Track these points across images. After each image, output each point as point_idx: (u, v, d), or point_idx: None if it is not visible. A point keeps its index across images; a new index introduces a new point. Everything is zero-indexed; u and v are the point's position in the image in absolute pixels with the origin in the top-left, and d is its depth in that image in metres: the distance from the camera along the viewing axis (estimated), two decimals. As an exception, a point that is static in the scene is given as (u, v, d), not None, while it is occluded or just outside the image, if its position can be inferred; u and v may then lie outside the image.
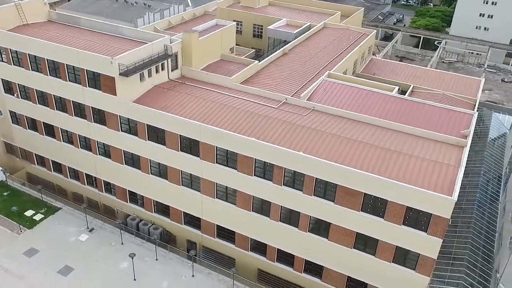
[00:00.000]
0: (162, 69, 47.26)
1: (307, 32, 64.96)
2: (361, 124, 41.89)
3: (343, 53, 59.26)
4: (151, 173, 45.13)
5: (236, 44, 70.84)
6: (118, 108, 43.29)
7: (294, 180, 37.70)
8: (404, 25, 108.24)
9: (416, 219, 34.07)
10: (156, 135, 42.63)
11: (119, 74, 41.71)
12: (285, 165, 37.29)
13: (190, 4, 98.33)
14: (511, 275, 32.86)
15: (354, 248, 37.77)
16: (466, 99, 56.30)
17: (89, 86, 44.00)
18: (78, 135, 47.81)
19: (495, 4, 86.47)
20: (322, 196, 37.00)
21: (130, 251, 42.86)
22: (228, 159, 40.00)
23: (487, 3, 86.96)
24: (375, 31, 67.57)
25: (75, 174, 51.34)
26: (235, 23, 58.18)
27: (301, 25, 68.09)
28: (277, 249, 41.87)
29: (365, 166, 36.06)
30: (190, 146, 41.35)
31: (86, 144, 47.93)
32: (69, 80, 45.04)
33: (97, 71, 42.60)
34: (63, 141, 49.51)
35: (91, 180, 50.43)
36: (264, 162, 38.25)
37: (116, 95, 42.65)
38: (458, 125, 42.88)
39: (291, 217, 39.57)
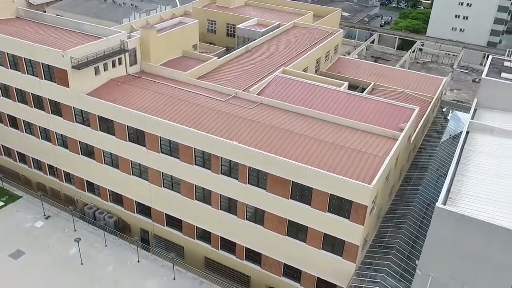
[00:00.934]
0: (120, 63, 49.11)
1: (274, 31, 66.58)
2: (303, 117, 43.34)
3: (305, 51, 60.68)
4: (104, 163, 46.94)
5: (211, 43, 73.15)
6: (71, 99, 45.21)
7: (230, 169, 39.26)
8: (381, 26, 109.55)
9: (339, 206, 35.44)
10: (107, 126, 44.45)
11: (72, 67, 43.62)
12: (221, 154, 38.88)
13: (178, 5, 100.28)
14: (427, 261, 33.94)
15: (287, 235, 39.17)
16: (424, 96, 57.67)
17: (45, 79, 45.99)
18: (38, 126, 49.80)
19: (470, 6, 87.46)
20: (256, 184, 38.50)
21: (81, 237, 44.55)
22: (171, 148, 41.67)
23: (462, 4, 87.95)
24: (342, 30, 68.93)
25: (38, 165, 53.30)
26: (197, 21, 60.00)
27: (270, 24, 69.80)
28: (220, 237, 43.37)
29: (296, 156, 37.47)
30: (137, 136, 43.10)
31: (46, 135, 49.91)
32: (27, 73, 47.06)
33: (51, 64, 44.56)
34: (25, 132, 51.55)
35: (53, 170, 52.34)
36: (203, 151, 39.87)
37: (69, 87, 44.55)
38: (398, 119, 44.16)
39: (230, 206, 41.10)
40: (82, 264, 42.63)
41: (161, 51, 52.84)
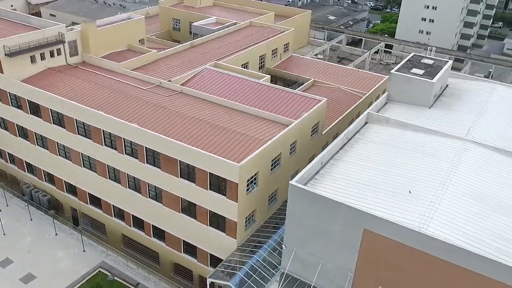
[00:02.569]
0: (58, 54, 53.18)
1: (227, 29, 69.72)
2: (213, 105, 46.32)
3: (247, 47, 63.48)
4: (37, 144, 50.89)
5: (176, 40, 76.71)
6: (5, 85, 49.37)
7: (132, 149, 42.49)
8: (346, 26, 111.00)
9: (218, 184, 38.15)
10: (35, 109, 48.37)
11: (4, 55, 47.80)
12: (122, 135, 42.18)
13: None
14: (289, 237, 36.15)
15: (182, 212, 42.06)
16: (358, 92, 59.87)
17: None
18: (-17, 110, 54.31)
19: (436, 9, 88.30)
20: (152, 163, 41.60)
21: (11, 212, 48.52)
22: (86, 130, 45.23)
23: (428, 7, 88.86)
24: (292, 29, 71.42)
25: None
26: (142, 17, 63.86)
27: (227, 23, 73.02)
28: (131, 214, 46.56)
29: (187, 138, 40.42)
30: (59, 119, 46.85)
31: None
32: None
33: (-12, 52, 48.94)
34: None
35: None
36: (110, 133, 43.26)
37: (3, 73, 48.73)
38: (303, 109, 46.51)
39: (135, 184, 44.29)
40: (4, 234, 46.48)
41: (102, 43, 56.66)
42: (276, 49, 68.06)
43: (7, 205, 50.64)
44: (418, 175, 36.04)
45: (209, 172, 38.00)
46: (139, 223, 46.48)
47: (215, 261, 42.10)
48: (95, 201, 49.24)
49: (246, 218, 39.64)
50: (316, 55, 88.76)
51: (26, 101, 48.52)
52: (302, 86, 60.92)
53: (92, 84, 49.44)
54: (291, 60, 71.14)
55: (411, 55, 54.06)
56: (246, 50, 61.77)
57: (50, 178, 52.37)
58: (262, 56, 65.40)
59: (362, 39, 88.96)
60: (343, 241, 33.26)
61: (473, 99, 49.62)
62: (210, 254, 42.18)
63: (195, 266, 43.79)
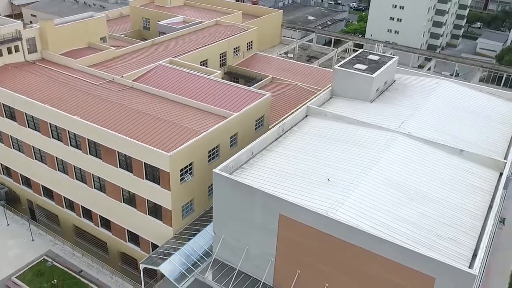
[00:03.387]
0: (16, 50, 54.77)
1: (191, 27, 71.32)
2: (159, 99, 47.86)
3: (208, 45, 64.98)
4: (-7, 139, 52.46)
5: (145, 39, 78.08)
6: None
7: (76, 141, 43.97)
8: (323, 27, 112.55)
9: (153, 174, 39.61)
10: (-13, 103, 49.94)
11: (-41, 50, 49.51)
12: (67, 127, 43.69)
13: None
14: (218, 223, 37.57)
15: (123, 202, 43.52)
16: (314, 89, 61.43)
17: None
18: None
19: (403, 8, 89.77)
20: (95, 155, 43.08)
21: (-32, 203, 50.00)
22: (35, 124, 46.73)
23: (395, 7, 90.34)
24: (256, 28, 72.94)
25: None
26: (104, 15, 65.64)
27: (194, 22, 74.61)
28: (80, 205, 48.02)
29: (126, 129, 41.90)
30: (11, 113, 48.36)
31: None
32: None
33: None
34: None
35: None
36: (56, 126, 44.76)
37: (-42, 68, 50.43)
38: (245, 102, 47.95)
39: (82, 175, 45.77)
40: (-43, 224, 48.13)
41: (61, 41, 58.22)
42: (238, 47, 69.57)
43: (-36, 197, 52.29)
44: (343, 164, 37.47)
45: (144, 162, 39.46)
46: (87, 213, 47.93)
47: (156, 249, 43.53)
48: (48, 193, 50.69)
49: (182, 207, 41.01)
50: (286, 53, 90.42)
51: (-19, 96, 50.06)
52: (259, 82, 62.50)
53: (45, 79, 51.01)
54: (255, 58, 72.65)
55: (359, 51, 55.61)
56: (205, 48, 63.27)
57: (7, 171, 53.85)
58: (223, 53, 66.91)
59: (332, 39, 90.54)
60: (263, 226, 34.68)
61: (415, 94, 51.06)
62: (151, 242, 43.58)
63: (139, 255, 45.15)
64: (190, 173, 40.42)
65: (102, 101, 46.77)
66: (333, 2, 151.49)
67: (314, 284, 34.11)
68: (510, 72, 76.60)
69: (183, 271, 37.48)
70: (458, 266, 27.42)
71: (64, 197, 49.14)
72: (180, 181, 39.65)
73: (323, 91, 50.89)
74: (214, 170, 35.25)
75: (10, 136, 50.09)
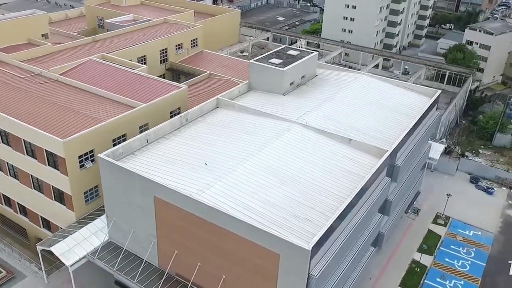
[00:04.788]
0: (-50, 45, 56.92)
1: (137, 25, 73.31)
2: (79, 91, 49.68)
3: (147, 42, 66.89)
4: None
5: (99, 37, 79.76)
6: None
7: (-10, 130, 45.87)
8: (291, 27, 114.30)
9: (54, 160, 41.34)
10: None
11: None
12: (-20, 117, 45.68)
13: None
14: (108, 207, 39.30)
15: (33, 188, 45.30)
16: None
17: None
18: None
19: (355, 8, 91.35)
20: (6, 143, 44.92)
21: None
22: (-44, 114, 48.64)
23: (348, 6, 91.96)
24: (201, 25, 74.88)
25: None
26: (45, 13, 67.46)
27: (142, 20, 76.62)
28: (1, 192, 49.85)
29: (33, 119, 43.60)
30: None
31: None
32: None
33: None
34: None
35: None
36: (-28, 115, 46.67)
37: None
38: (161, 95, 49.67)
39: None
40: None
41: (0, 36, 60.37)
42: (181, 44, 71.40)
43: None
44: (230, 151, 39.14)
45: (44, 149, 41.25)
46: (8, 200, 49.74)
47: (66, 234, 45.26)
48: (-25, 181, 52.59)
49: (84, 192, 42.70)
50: (242, 52, 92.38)
51: None
52: (195, 78, 64.28)
53: (-26, 72, 53.07)
54: (200, 55, 74.46)
55: (281, 47, 57.36)
56: (143, 44, 65.15)
57: None
58: (163, 50, 68.75)
59: (287, 38, 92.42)
60: (143, 209, 36.40)
61: (329, 87, 52.71)
62: (60, 227, 45.30)
63: (28, 225, 47.10)
64: (92, 160, 42.11)
65: (20, 93, 48.64)
66: (309, 4, 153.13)
67: (189, 263, 35.77)
68: (452, 70, 78.07)
69: (75, 252, 39.18)
70: (295, 243, 29.00)
71: (-13, 185, 51.01)
72: (80, 167, 41.36)
73: (242, 84, 52.52)
74: (99, 155, 37.06)
75: None
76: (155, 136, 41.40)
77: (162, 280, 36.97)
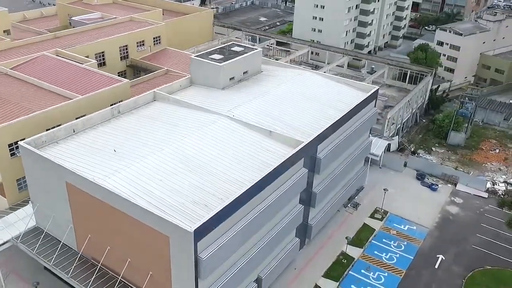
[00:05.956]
0: None
1: (101, 22, 75.14)
2: (24, 84, 51.74)
3: (106, 39, 68.61)
4: None
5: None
6: None
7: None
8: (271, 27, 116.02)
9: (-15, 148, 43.06)
10: None
11: None
12: None
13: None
14: (32, 192, 40.86)
15: (-28, 176, 47.00)
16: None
17: None
18: None
19: (324, 8, 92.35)
20: None
21: None
22: None
23: (317, 6, 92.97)
24: (164, 23, 76.57)
25: None
26: (6, 9, 69.34)
27: (108, 18, 78.49)
28: None
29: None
30: None
31: None
32: None
33: None
34: None
35: None
36: None
37: None
38: (102, 87, 51.34)
39: None
40: None
41: (-42, 32, 62.50)
42: (142, 41, 73.04)
43: None
44: (149, 140, 40.49)
45: (-24, 136, 42.99)
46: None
47: (2, 221, 46.87)
48: None
49: (17, 180, 44.32)
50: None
51: None
52: (151, 73, 65.89)
53: None
54: (163, 53, 76.06)
55: (229, 43, 58.73)
56: (100, 40, 66.88)
57: None
58: (124, 46, 70.41)
59: (257, 37, 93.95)
60: (59, 194, 37.87)
61: (269, 83, 53.92)
62: None
63: None
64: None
65: (-35, 85, 50.66)
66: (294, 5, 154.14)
67: (100, 247, 37.16)
68: (413, 69, 78.91)
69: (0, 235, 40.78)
70: (179, 225, 30.30)
71: None
72: (11, 155, 43.00)
73: (184, 79, 53.97)
74: (19, 142, 38.65)
75: None
76: (82, 126, 42.88)
77: (78, 263, 38.33)
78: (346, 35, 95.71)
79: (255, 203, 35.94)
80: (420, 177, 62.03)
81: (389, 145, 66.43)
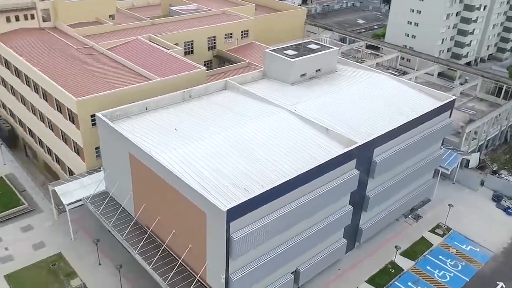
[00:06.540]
0: (32, 18, 67.76)
1: (194, 13, 79.91)
2: (115, 63, 57.19)
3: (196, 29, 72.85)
4: (3, 85, 65.86)
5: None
6: (-17, 35, 65.27)
7: (35, 87, 54.55)
8: (367, 30, 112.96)
9: (72, 116, 48.49)
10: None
11: (-17, 13, 63.47)
12: (25, 71, 54.86)
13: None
14: (104, 160, 45.08)
15: (62, 140, 53.13)
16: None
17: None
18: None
19: (420, 13, 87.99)
20: (45, 99, 53.33)
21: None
22: (17, 72, 58.37)
23: (413, 11, 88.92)
24: (253, 18, 79.09)
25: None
26: (112, -4, 76.31)
27: (203, 10, 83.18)
28: (45, 143, 58.88)
29: (64, 79, 51.53)
30: (6, 64, 60.90)
31: (-17, 63, 70.71)
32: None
33: (-24, 10, 65.12)
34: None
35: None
36: (25, 74, 55.89)
37: (-17, 26, 64.61)
38: (181, 70, 55.07)
39: (41, 116, 56.34)
40: (-41, 145, 62.07)
41: (71, 14, 70.21)
42: (231, 33, 76.30)
43: (-24, 129, 66.50)
44: (210, 124, 42.99)
45: (66, 106, 48.62)
46: (49, 150, 58.55)
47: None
48: (30, 132, 62.53)
49: (96, 148, 49.32)
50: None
51: (-13, 46, 63.86)
52: (234, 64, 68.90)
53: (40, 42, 63.00)
54: (249, 46, 78.75)
55: (307, 40, 59.43)
56: (189, 30, 71.20)
57: (11, 112, 67.01)
58: (212, 37, 74.17)
59: (346, 38, 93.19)
60: (123, 164, 41.75)
61: (341, 83, 53.80)
62: (69, 168, 53.02)
63: (60, 172, 55.68)
64: (99, 119, 48.50)
65: (67, 60, 57.23)
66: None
67: (152, 216, 40.37)
68: (509, 84, 73.13)
69: (73, 194, 45.90)
70: (214, 203, 32.06)
71: (37, 136, 60.46)
72: (92, 125, 48.03)
73: (256, 71, 55.84)
74: (96, 113, 43.17)
75: (8, 82, 62.77)
76: (154, 106, 46.56)
77: (132, 228, 41.94)
78: (442, 43, 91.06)
79: (297, 195, 36.57)
80: (497, 198, 57.76)
81: (467, 161, 62.74)
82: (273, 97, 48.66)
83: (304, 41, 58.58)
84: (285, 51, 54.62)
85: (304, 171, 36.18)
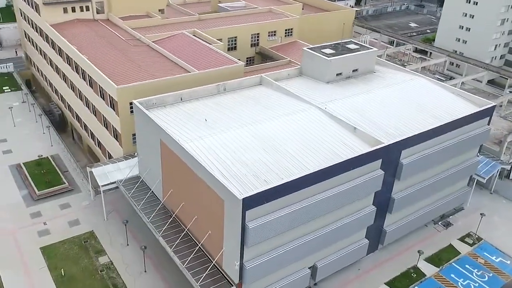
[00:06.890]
0: (87, 10, 71.77)
1: (240, 11, 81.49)
2: (158, 55, 59.65)
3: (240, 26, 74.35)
4: (53, 70, 70.19)
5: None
6: (40, 24, 69.53)
7: (83, 73, 57.86)
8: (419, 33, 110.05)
9: (112, 102, 51.19)
10: (53, 43, 67.32)
11: (43, 3, 67.75)
12: (74, 59, 58.24)
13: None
14: (139, 147, 47.20)
15: (103, 125, 56.14)
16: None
17: (35, 11, 71.33)
18: (36, 43, 75.85)
19: (473, 17, 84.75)
20: (90, 85, 56.53)
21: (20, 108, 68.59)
22: (68, 59, 62.11)
23: (466, 15, 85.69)
24: (297, 17, 79.47)
25: (42, 73, 79.76)
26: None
27: (250, 7, 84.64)
28: (89, 128, 62.33)
29: (114, 68, 54.46)
30: (60, 51, 64.91)
31: (40, 50, 75.53)
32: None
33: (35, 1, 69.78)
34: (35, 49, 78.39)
35: (46, 78, 78.01)
36: (74, 61, 59.45)
37: (40, 16, 68.91)
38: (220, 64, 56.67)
39: (87, 102, 59.69)
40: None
41: (123, 7, 73.54)
42: (274, 31, 77.23)
43: (30, 111, 71.12)
44: (240, 117, 44.20)
45: (108, 93, 51.37)
46: (92, 135, 61.96)
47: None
48: (75, 116, 66.34)
49: (133, 134, 51.79)
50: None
51: (44, 34, 67.95)
52: (275, 62, 69.87)
53: (92, 32, 66.69)
54: (293, 45, 79.27)
55: (347, 40, 59.33)
56: (233, 26, 72.77)
57: (62, 98, 71.33)
58: (255, 34, 75.41)
59: (394, 40, 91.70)
60: (155, 150, 43.74)
61: (376, 84, 53.57)
62: (108, 153, 55.86)
63: (101, 156, 58.63)
64: (138, 106, 50.86)
65: (114, 50, 60.28)
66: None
67: (177, 201, 42.10)
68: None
69: (108, 176, 48.51)
70: (231, 190, 33.15)
71: (82, 120, 64.10)
72: (131, 112, 50.47)
73: (293, 68, 56.50)
74: (133, 101, 45.43)
75: (60, 69, 66.89)
76: (189, 97, 48.33)
77: (159, 212, 43.89)
78: (494, 49, 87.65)
79: (317, 190, 37.00)
80: (536, 212, 55.32)
81: (508, 171, 60.42)
82: (306, 95, 49.18)
83: (343, 40, 58.54)
84: (322, 50, 54.92)
85: (324, 167, 36.56)
